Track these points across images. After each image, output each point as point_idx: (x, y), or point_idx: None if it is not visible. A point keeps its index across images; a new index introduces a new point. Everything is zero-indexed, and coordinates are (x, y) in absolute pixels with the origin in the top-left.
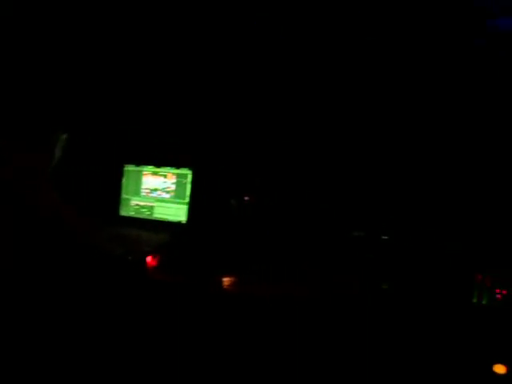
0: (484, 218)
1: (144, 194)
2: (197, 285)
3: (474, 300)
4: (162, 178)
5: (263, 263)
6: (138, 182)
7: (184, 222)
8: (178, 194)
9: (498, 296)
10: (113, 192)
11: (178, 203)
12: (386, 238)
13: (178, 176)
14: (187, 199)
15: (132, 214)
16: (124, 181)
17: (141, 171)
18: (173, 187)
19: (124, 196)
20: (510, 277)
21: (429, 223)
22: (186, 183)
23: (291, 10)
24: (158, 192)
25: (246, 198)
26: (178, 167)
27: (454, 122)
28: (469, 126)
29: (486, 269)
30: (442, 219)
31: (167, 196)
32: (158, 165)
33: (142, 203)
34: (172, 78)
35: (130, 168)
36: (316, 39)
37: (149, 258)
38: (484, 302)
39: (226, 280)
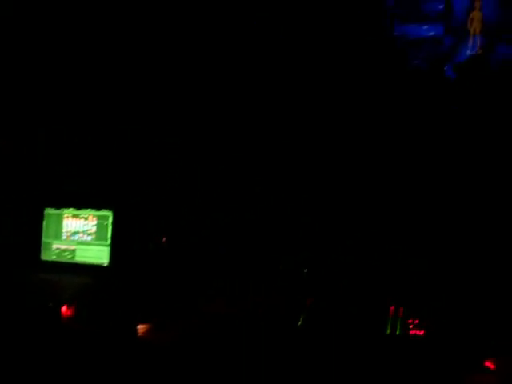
0: (394, 252)
1: (65, 237)
2: (113, 333)
3: (388, 331)
4: (82, 221)
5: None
6: (59, 225)
7: (106, 264)
8: (99, 236)
9: (411, 326)
10: (33, 236)
11: (99, 245)
12: (305, 270)
13: (99, 218)
14: (109, 241)
15: (53, 258)
16: (44, 224)
17: (61, 214)
18: (94, 229)
19: (45, 240)
20: (422, 307)
21: (343, 258)
22: (107, 225)
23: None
24: (80, 235)
25: (164, 239)
26: (98, 209)
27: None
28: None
29: (399, 300)
30: (356, 254)
31: (89, 238)
32: (79, 207)
33: (63, 247)
34: (88, 123)
35: (50, 211)
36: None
37: (64, 308)
38: (397, 333)
39: (142, 327)
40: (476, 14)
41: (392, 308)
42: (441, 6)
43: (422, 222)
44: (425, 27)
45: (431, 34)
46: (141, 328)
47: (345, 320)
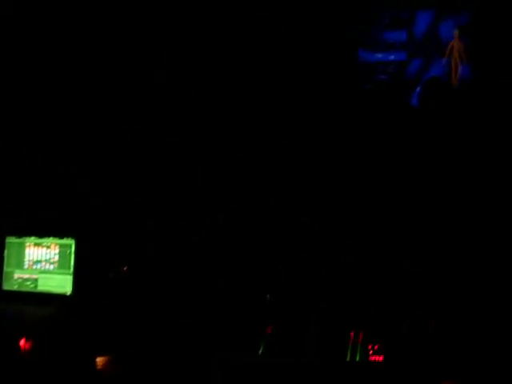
0: (355, 277)
1: (27, 266)
2: (72, 366)
3: (348, 358)
4: (45, 249)
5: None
6: (21, 254)
7: (69, 293)
8: (62, 265)
9: (371, 352)
10: None
11: (62, 274)
12: (268, 296)
13: (62, 246)
14: (72, 269)
15: (15, 287)
16: (6, 253)
17: (23, 243)
18: (56, 258)
19: (6, 269)
20: (381, 332)
21: (302, 283)
22: (69, 253)
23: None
24: (42, 263)
25: (125, 268)
26: (61, 237)
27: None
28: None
29: (358, 325)
30: (315, 281)
31: (51, 267)
32: (41, 235)
33: (25, 276)
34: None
35: (11, 240)
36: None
37: (22, 341)
38: (357, 359)
39: (101, 360)
40: (456, 43)
41: (352, 334)
42: (404, 35)
43: (381, 247)
44: (391, 57)
45: (397, 60)
46: (100, 360)
47: (305, 347)
